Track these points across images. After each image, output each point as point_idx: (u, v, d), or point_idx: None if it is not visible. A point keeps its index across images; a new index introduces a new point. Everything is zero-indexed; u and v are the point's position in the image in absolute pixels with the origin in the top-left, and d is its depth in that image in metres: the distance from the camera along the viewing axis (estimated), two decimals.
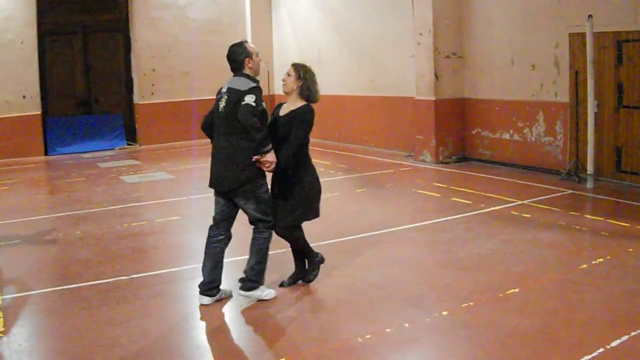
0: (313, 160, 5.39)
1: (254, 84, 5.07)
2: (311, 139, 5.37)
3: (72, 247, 7.09)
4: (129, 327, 4.79)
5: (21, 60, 14.64)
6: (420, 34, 12.05)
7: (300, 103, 5.24)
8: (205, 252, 5.29)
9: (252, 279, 5.21)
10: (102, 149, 15.64)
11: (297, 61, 5.44)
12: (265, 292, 5.28)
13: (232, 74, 5.25)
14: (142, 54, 16.33)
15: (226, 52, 5.24)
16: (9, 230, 7.86)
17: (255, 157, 5.00)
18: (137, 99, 16.53)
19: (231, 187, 5.11)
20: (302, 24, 16.66)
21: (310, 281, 5.64)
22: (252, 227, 5.27)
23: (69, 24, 15.57)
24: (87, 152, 15.35)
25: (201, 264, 5.26)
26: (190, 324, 5.00)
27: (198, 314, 5.15)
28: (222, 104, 5.15)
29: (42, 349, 4.56)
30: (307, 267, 5.67)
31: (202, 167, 12.39)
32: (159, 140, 16.42)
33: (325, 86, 15.14)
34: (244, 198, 5.12)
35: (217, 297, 5.29)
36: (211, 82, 16.55)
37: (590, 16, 9.10)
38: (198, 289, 5.27)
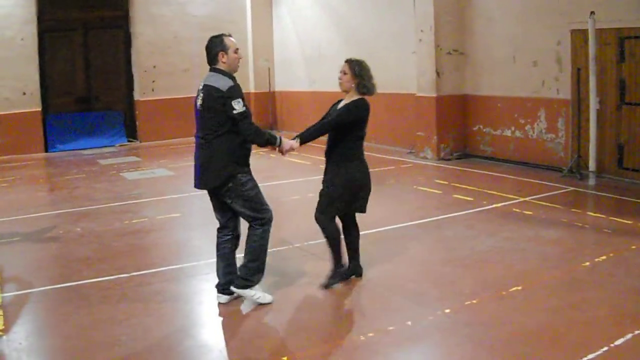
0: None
1: (231, 82, 4.87)
2: None
3: (72, 245, 7.07)
4: (129, 325, 4.76)
5: (21, 57, 14.63)
6: (422, 30, 12.01)
7: (356, 97, 5.35)
8: (217, 254, 5.20)
9: (244, 277, 5.07)
10: (102, 146, 15.65)
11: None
12: (259, 294, 5.12)
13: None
14: (142, 51, 16.30)
15: None
16: (9, 228, 7.83)
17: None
18: (137, 95, 16.51)
19: (212, 186, 4.98)
20: (302, 20, 16.61)
21: (325, 286, 5.41)
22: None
23: (69, 20, 15.55)
24: (87, 148, 15.35)
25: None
26: (192, 322, 4.97)
27: (199, 312, 5.14)
28: (199, 102, 4.97)
29: (42, 348, 4.53)
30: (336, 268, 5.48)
31: None
32: (159, 137, 16.42)
33: (326, 82, 15.33)
34: (229, 197, 4.96)
35: (234, 295, 5.19)
36: None
37: (592, 13, 9.06)
38: (215, 289, 5.21)
